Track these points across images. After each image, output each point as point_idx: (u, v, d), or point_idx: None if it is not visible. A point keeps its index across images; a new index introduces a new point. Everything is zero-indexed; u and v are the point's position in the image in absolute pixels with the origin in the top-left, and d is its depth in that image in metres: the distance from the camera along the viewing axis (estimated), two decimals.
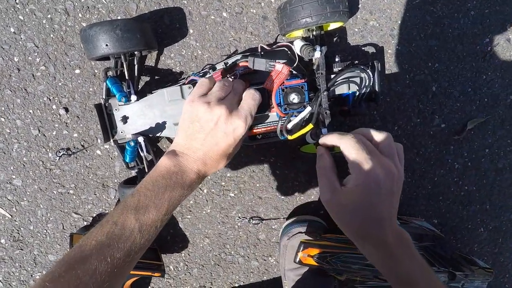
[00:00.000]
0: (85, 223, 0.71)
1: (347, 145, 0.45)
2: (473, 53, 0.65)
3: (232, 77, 0.56)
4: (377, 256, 0.44)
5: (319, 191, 0.47)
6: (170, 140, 0.68)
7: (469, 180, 0.71)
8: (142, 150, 0.60)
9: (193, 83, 0.58)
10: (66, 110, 0.66)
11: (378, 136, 0.47)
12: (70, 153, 0.68)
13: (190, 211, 0.71)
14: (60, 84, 0.65)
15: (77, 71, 0.65)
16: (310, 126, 0.55)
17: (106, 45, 0.53)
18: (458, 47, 0.64)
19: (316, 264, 0.61)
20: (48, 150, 0.68)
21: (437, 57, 0.65)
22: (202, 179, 0.48)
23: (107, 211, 0.71)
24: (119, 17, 0.62)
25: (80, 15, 0.62)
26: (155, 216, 0.42)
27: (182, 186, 0.44)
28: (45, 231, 0.72)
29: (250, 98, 0.49)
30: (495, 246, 0.74)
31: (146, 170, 0.61)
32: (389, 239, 0.43)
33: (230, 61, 0.57)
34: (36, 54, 0.64)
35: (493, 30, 0.64)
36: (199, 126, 0.46)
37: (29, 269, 0.73)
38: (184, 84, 0.59)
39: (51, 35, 0.63)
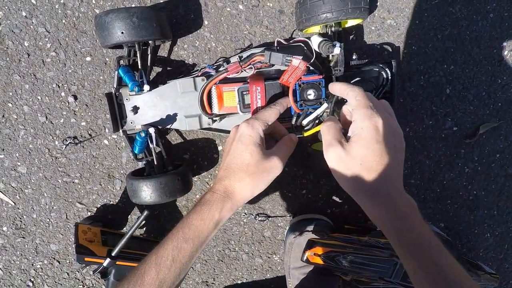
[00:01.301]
0: (89, 213, 0.70)
1: (354, 93, 0.44)
2: (489, 57, 0.64)
3: (248, 70, 0.56)
4: (387, 216, 0.41)
5: (323, 149, 0.44)
6: (179, 133, 0.67)
7: (478, 185, 0.70)
8: (151, 142, 0.59)
9: (207, 75, 0.58)
10: (75, 98, 0.65)
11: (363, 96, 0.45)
12: (77, 141, 0.67)
13: None
14: (70, 71, 0.64)
15: (88, 58, 0.64)
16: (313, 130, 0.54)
17: (122, 32, 0.52)
18: (475, 50, 0.64)
19: (323, 263, 0.60)
20: (54, 138, 0.67)
21: (453, 59, 0.64)
22: (226, 196, 0.46)
23: (111, 202, 0.70)
24: (133, 5, 0.61)
25: (93, 1, 0.61)
26: (171, 246, 0.43)
27: (205, 204, 0.45)
28: (48, 220, 0.71)
29: (267, 107, 0.51)
30: (501, 252, 0.74)
31: (155, 163, 0.60)
32: (399, 199, 0.41)
33: (244, 54, 0.56)
34: (47, 39, 0.63)
35: (511, 34, 0.63)
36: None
37: (30, 258, 0.72)
38: (197, 76, 0.58)
39: (63, 21, 0.62)
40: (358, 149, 0.41)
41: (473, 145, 0.68)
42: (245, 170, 0.46)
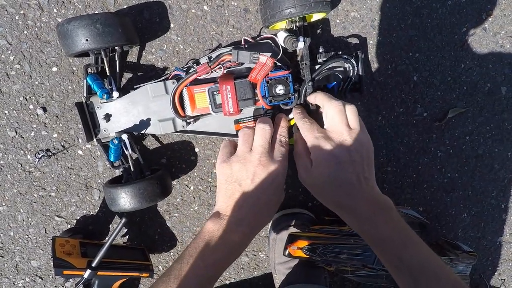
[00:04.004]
0: (68, 226, 0.69)
1: (302, 129, 0.50)
2: (451, 43, 0.66)
3: (218, 70, 0.56)
4: (353, 222, 0.47)
5: (297, 170, 0.51)
6: (155, 137, 0.66)
7: (451, 167, 0.72)
8: (126, 148, 0.58)
9: (177, 78, 0.57)
10: (44, 109, 0.64)
11: (326, 110, 0.49)
12: (50, 154, 0.66)
13: (178, 209, 0.70)
14: (36, 83, 0.63)
15: (55, 69, 0.63)
16: (293, 121, 0.55)
17: (86, 40, 0.52)
18: (437, 36, 0.66)
19: (306, 256, 0.61)
20: (26, 152, 0.65)
21: (417, 47, 0.66)
22: (250, 238, 0.49)
23: (91, 213, 0.69)
24: (96, 12, 0.61)
25: (55, 10, 0.60)
26: (197, 283, 0.43)
27: (227, 248, 0.46)
28: (26, 236, 0.69)
29: (279, 145, 0.50)
30: (478, 231, 0.77)
31: (132, 169, 0.59)
32: (362, 205, 0.46)
33: (213, 55, 0.57)
34: (9, 52, 0.61)
35: (470, 19, 0.65)
36: (237, 185, 0.48)
37: (11, 277, 0.71)
38: (167, 79, 0.58)
39: (25, 32, 0.61)
40: (318, 177, 0.47)
41: (444, 129, 0.70)
42: (277, 206, 0.50)
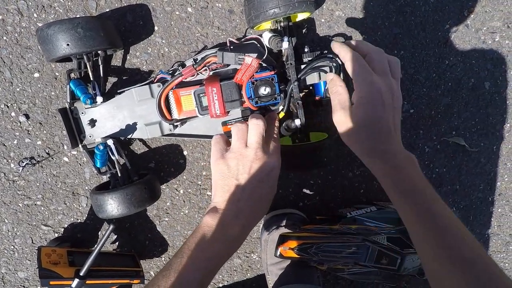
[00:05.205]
0: (56, 234, 0.68)
1: (349, 58, 0.48)
2: (435, 39, 0.67)
3: (203, 72, 0.55)
4: (384, 169, 0.46)
5: (332, 111, 0.49)
6: (143, 142, 0.66)
7: (439, 162, 0.73)
8: (113, 154, 0.57)
9: (162, 81, 0.57)
10: (27, 117, 0.63)
11: (372, 55, 0.49)
12: (35, 162, 0.64)
13: (168, 213, 0.69)
14: (18, 89, 0.61)
15: (36, 74, 0.61)
16: (282, 114, 0.55)
17: (67, 44, 0.51)
18: (421, 34, 0.66)
19: (297, 256, 0.60)
20: (9, 160, 0.64)
21: (402, 44, 0.66)
22: (247, 231, 0.48)
23: (79, 220, 0.68)
24: (78, 16, 0.59)
25: (35, 15, 0.59)
26: (198, 276, 0.43)
27: (227, 241, 0.46)
28: (12, 247, 0.68)
29: (272, 140, 0.50)
30: (467, 224, 0.78)
31: (119, 175, 0.58)
32: (396, 153, 0.46)
33: (199, 57, 0.56)
34: None
35: (452, 16, 0.66)
36: (234, 179, 0.47)
37: None
38: (153, 82, 0.57)
39: (4, 38, 0.59)
40: (358, 115, 0.46)
41: (430, 125, 0.71)
42: (270, 200, 0.49)
